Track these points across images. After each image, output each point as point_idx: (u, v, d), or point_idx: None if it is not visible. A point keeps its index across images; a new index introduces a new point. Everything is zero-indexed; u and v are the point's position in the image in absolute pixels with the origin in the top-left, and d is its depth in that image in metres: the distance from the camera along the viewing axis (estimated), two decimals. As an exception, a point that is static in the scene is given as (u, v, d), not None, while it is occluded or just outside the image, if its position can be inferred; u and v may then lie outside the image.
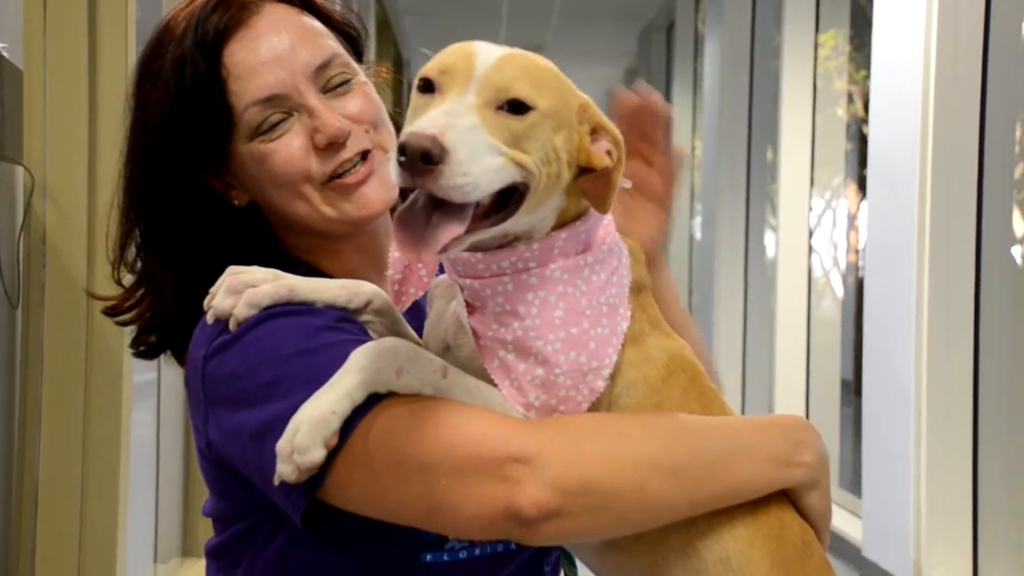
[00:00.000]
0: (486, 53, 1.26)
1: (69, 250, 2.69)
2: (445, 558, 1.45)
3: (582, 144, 1.30)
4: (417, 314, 1.61)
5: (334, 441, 1.25)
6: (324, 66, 1.47)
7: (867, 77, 5.12)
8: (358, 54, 1.61)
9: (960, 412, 4.39)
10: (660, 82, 11.46)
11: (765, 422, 1.43)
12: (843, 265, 7.05)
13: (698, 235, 9.52)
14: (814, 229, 7.06)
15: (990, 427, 4.35)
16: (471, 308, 1.31)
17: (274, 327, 1.37)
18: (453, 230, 1.20)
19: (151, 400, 4.10)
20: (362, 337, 1.41)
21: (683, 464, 1.29)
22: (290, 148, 1.44)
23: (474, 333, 1.30)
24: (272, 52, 1.44)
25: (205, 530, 4.10)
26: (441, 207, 1.20)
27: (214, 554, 1.58)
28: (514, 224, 1.27)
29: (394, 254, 1.39)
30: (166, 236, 1.53)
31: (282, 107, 1.44)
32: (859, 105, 7.17)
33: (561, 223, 1.33)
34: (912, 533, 4.40)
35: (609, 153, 1.31)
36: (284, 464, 1.24)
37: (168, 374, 4.16)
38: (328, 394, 1.27)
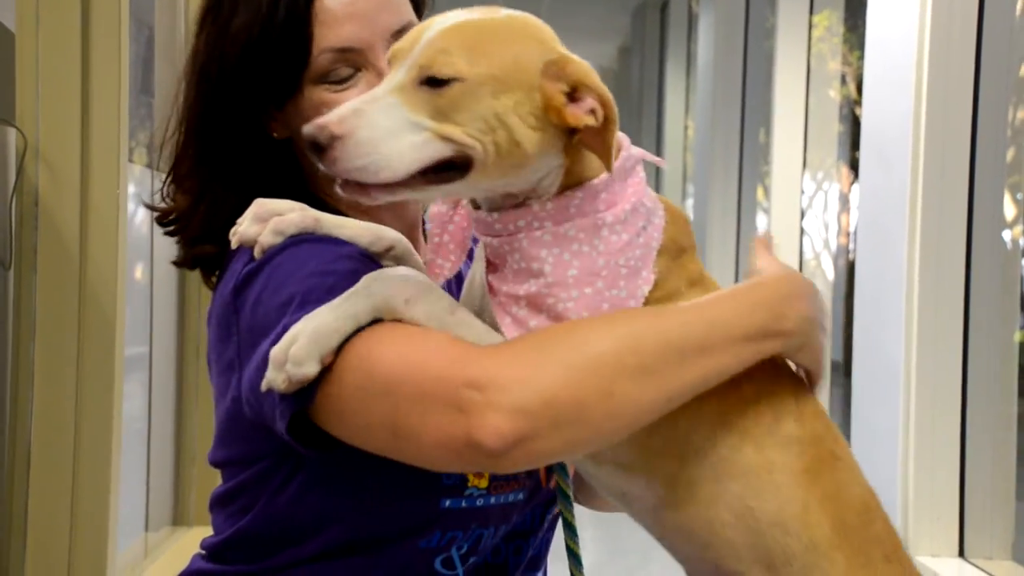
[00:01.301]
0: (434, 27, 1.27)
1: (62, 212, 2.69)
2: (463, 504, 1.47)
3: (550, 103, 1.28)
4: (460, 282, 1.65)
5: (330, 359, 1.25)
6: (400, 31, 1.47)
7: (861, 58, 5.12)
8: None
9: (949, 394, 4.40)
10: (653, 61, 11.52)
11: (741, 295, 1.38)
12: (834, 247, 7.08)
13: (691, 216, 9.55)
14: (806, 211, 7.08)
15: (978, 409, 4.36)
16: (492, 266, 1.33)
17: (297, 252, 1.40)
18: (370, 196, 1.26)
19: (143, 373, 4.09)
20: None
21: (651, 360, 1.26)
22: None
23: (490, 289, 1.32)
24: (358, 7, 1.48)
25: (198, 499, 4.15)
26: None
27: (222, 502, 1.58)
28: (509, 184, 1.30)
29: (436, 208, 1.45)
30: (219, 156, 1.56)
31: (353, 62, 1.48)
32: (852, 87, 7.19)
33: (577, 181, 1.33)
34: (900, 511, 4.39)
35: (594, 112, 1.29)
36: (275, 372, 1.24)
37: (158, 348, 4.20)
38: (334, 311, 1.27)
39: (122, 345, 2.83)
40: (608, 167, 1.30)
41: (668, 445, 1.34)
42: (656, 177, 11.13)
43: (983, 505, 4.29)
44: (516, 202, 1.33)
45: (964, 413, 4.34)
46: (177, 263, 1.65)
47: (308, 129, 1.20)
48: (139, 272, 3.70)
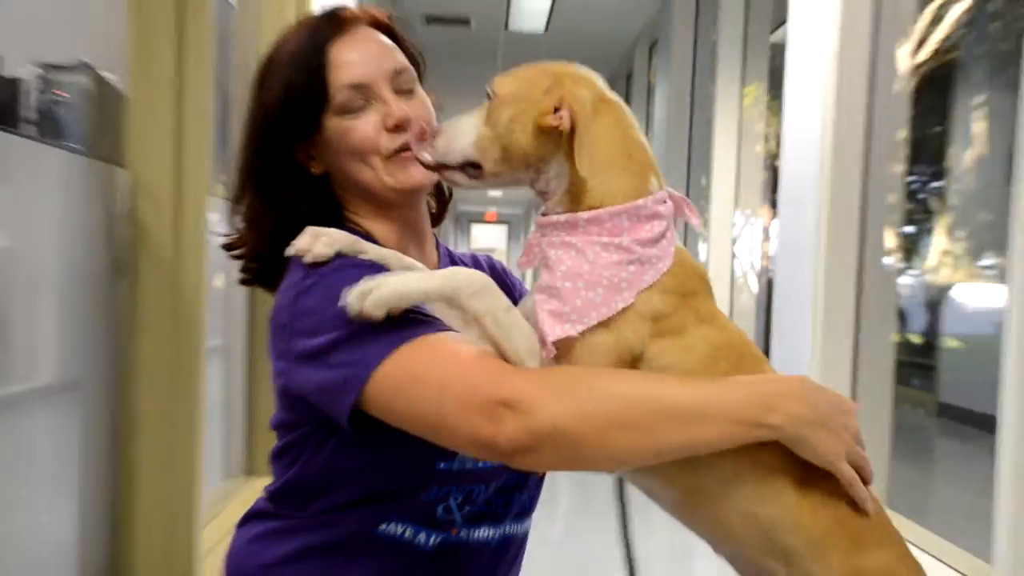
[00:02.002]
0: None
1: (160, 234, 2.70)
2: (455, 466, 1.48)
3: (540, 110, 1.35)
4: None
5: (395, 311, 1.30)
6: (398, 72, 1.53)
7: (780, 122, 5.13)
8: (416, 64, 1.64)
9: (843, 379, 4.43)
10: None
11: (744, 385, 1.32)
12: (758, 268, 7.06)
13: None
14: (736, 239, 7.07)
15: (865, 389, 4.42)
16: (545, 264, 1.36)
17: (345, 271, 1.40)
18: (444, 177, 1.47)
19: (222, 360, 4.10)
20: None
21: (645, 421, 1.26)
22: (367, 126, 1.49)
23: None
24: (363, 54, 1.50)
25: (262, 455, 4.11)
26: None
27: (276, 457, 1.61)
28: (521, 180, 1.42)
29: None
30: (266, 192, 1.57)
31: (364, 95, 1.49)
32: (773, 144, 7.20)
33: (597, 204, 1.35)
34: None
35: (563, 119, 1.34)
36: (355, 299, 1.29)
37: (233, 341, 4.23)
38: (414, 282, 1.31)
39: (205, 338, 2.84)
40: (579, 168, 1.33)
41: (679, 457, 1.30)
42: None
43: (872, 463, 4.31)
44: (545, 209, 1.40)
45: (854, 394, 4.38)
46: (242, 281, 1.65)
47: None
48: (218, 281, 3.71)
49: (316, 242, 1.43)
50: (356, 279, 1.35)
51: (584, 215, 1.35)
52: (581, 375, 1.30)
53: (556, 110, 1.35)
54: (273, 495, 1.63)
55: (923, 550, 3.43)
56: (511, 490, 1.63)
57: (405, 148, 1.51)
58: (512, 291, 1.75)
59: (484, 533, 1.59)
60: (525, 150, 1.37)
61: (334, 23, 1.53)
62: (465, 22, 10.04)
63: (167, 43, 2.74)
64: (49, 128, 2.43)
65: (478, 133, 1.39)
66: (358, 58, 1.51)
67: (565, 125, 1.34)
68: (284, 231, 1.51)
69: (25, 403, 2.39)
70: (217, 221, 2.95)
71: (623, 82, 11.21)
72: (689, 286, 1.38)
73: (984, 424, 2.87)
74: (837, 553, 1.29)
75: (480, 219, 32.10)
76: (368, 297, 1.29)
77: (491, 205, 27.94)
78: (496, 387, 1.26)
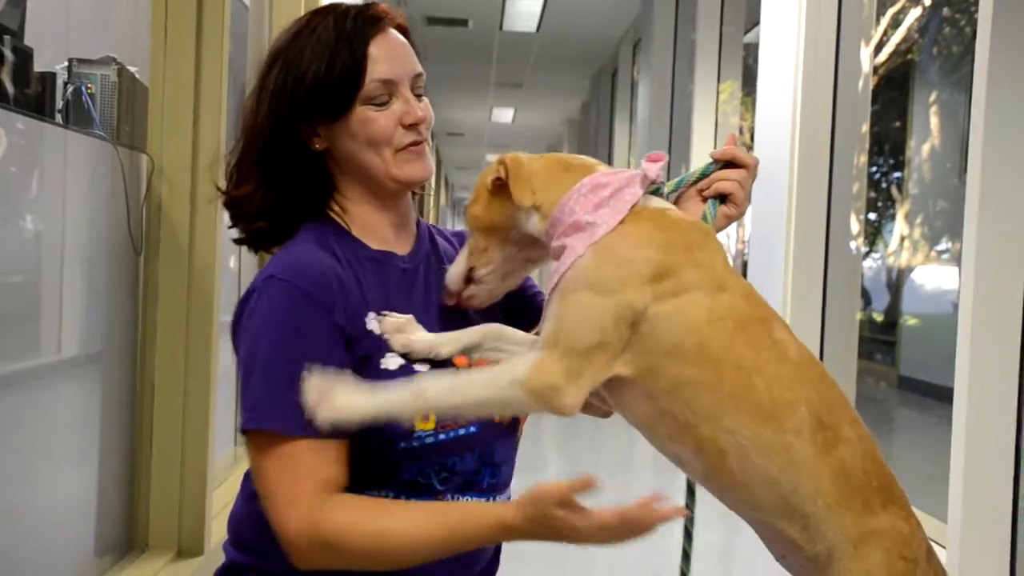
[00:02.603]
0: None
1: (177, 214, 2.71)
2: (415, 444, 1.44)
3: (487, 184, 1.41)
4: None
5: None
6: (418, 76, 1.51)
7: (753, 116, 5.13)
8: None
9: (812, 345, 4.46)
10: (606, 114, 11.41)
11: (490, 526, 1.34)
12: (733, 251, 7.06)
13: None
14: (714, 226, 7.09)
15: (831, 363, 4.40)
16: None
17: (293, 307, 1.40)
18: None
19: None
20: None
21: (400, 560, 1.36)
22: (388, 119, 1.46)
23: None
24: (396, 55, 1.47)
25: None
26: None
27: None
28: (509, 255, 1.43)
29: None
30: (271, 161, 1.50)
31: (390, 91, 1.46)
32: (747, 136, 7.19)
33: (546, 218, 1.36)
34: None
35: (499, 176, 1.39)
36: (312, 393, 1.28)
37: None
38: (362, 402, 1.29)
39: (219, 312, 2.85)
40: (517, 200, 1.37)
41: (701, 421, 1.27)
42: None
43: None
44: (542, 247, 1.40)
45: (822, 354, 4.41)
46: (237, 241, 1.59)
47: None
48: (232, 261, 3.68)
49: (398, 340, 1.43)
50: (297, 319, 1.37)
51: (548, 224, 1.37)
52: (369, 506, 1.39)
53: (498, 179, 1.39)
54: None
55: None
56: (497, 464, 1.59)
57: (415, 144, 1.49)
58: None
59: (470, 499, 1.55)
60: (493, 220, 1.40)
61: (372, 18, 1.50)
62: (463, 23, 10.06)
63: (186, 40, 2.77)
64: (78, 117, 2.46)
65: (462, 255, 1.43)
66: (391, 56, 1.48)
67: (503, 174, 1.38)
68: (276, 201, 1.51)
69: (51, 374, 2.41)
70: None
71: (609, 78, 11.19)
72: (684, 240, 1.33)
73: (941, 395, 2.87)
74: (851, 515, 1.28)
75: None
76: (321, 406, 1.28)
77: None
78: (300, 519, 1.33)
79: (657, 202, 1.38)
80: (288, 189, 1.51)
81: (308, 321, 1.40)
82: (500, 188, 1.38)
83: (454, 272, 1.46)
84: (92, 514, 2.57)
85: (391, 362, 1.45)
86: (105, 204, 2.55)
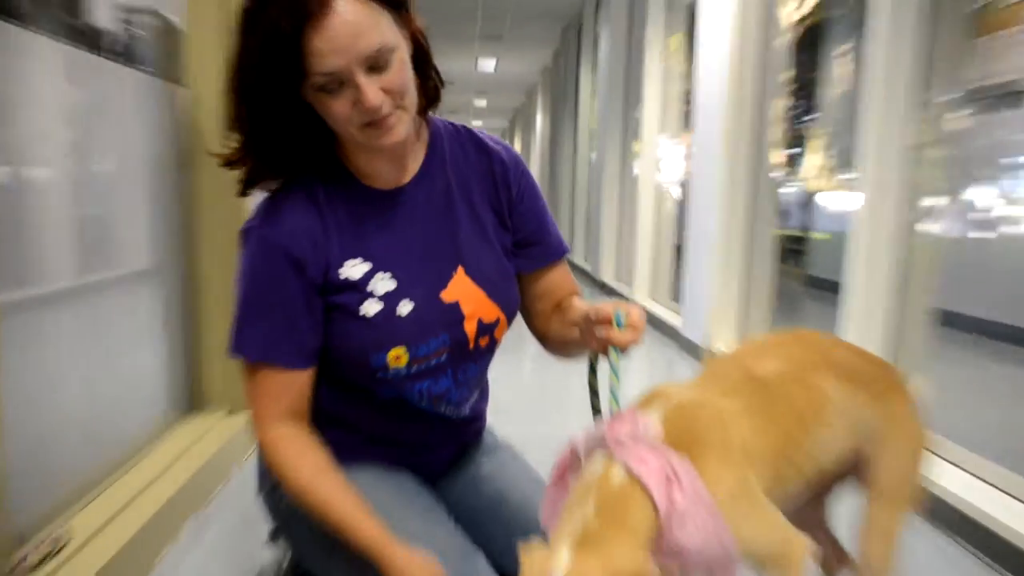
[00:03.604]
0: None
1: (212, 137, 2.71)
2: (390, 376, 1.39)
3: None
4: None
5: None
6: (373, 54, 1.22)
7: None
8: (398, 5, 1.29)
9: (738, 261, 4.56)
10: (573, 63, 11.18)
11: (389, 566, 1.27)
12: (679, 179, 7.17)
13: (594, 159, 9.55)
14: (662, 159, 7.14)
15: (755, 271, 4.54)
16: None
17: (265, 259, 1.32)
18: None
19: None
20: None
21: (321, 513, 1.31)
22: (342, 105, 1.24)
23: None
24: (339, 44, 1.20)
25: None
26: None
27: None
28: None
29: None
30: (254, 118, 1.29)
31: (338, 80, 1.22)
32: (690, 83, 7.24)
33: None
34: (706, 319, 4.63)
35: None
36: None
37: None
38: None
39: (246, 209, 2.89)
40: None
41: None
42: (575, 141, 11.10)
43: (756, 316, 4.54)
44: None
45: (749, 271, 4.55)
46: (240, 194, 1.38)
47: None
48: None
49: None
50: (272, 272, 1.31)
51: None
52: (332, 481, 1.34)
53: None
54: None
55: None
56: (470, 379, 1.53)
57: (375, 122, 1.27)
58: (511, 191, 1.53)
59: (445, 409, 1.52)
60: None
61: (307, 10, 1.19)
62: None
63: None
64: (129, 56, 2.51)
65: None
66: (334, 47, 1.20)
67: None
68: (277, 151, 1.33)
69: (127, 283, 2.49)
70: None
71: (576, 32, 10.97)
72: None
73: (836, 289, 3.10)
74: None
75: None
76: None
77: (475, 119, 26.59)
78: (264, 437, 1.35)
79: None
80: (288, 143, 1.32)
81: (281, 275, 1.32)
82: None
83: None
84: (164, 382, 2.67)
85: (370, 308, 1.37)
86: (154, 128, 2.61)
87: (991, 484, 2.44)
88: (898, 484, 1.35)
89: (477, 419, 1.64)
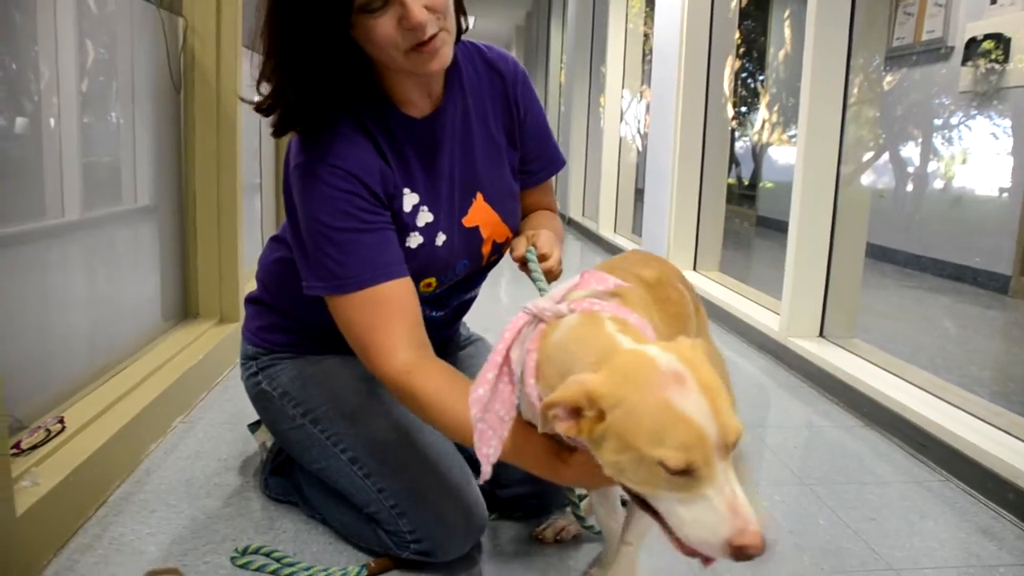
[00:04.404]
0: (703, 413, 0.86)
1: (206, 60, 2.65)
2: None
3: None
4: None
5: None
6: None
7: (653, 24, 5.11)
8: None
9: (691, 204, 4.59)
10: (544, 22, 11.07)
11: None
12: (641, 132, 7.12)
13: (563, 111, 9.48)
14: (625, 112, 7.09)
15: (705, 214, 4.55)
16: None
17: (330, 190, 1.23)
18: None
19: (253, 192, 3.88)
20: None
21: (451, 427, 1.18)
22: (386, 25, 1.15)
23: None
24: None
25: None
26: None
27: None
28: None
29: (476, 395, 1.07)
30: (291, 63, 1.20)
31: None
32: (652, 41, 7.17)
33: None
34: (665, 251, 4.60)
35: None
36: None
37: (265, 181, 4.04)
38: None
39: (240, 136, 2.76)
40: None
41: None
42: (546, 97, 10.97)
43: (707, 251, 4.56)
44: None
45: (699, 215, 4.54)
46: (274, 134, 1.28)
47: (761, 545, 0.81)
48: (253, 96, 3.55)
49: None
50: (330, 190, 1.21)
51: None
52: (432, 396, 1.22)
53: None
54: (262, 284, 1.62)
55: (742, 294, 3.74)
56: (470, 290, 1.56)
57: (421, 44, 1.18)
58: (519, 109, 1.46)
59: (434, 313, 1.52)
60: None
61: None
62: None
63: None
64: None
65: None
66: None
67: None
68: (316, 83, 1.22)
69: (131, 217, 2.44)
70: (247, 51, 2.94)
71: None
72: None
73: (783, 228, 3.11)
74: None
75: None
76: None
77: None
78: (391, 373, 1.23)
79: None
80: (327, 75, 1.22)
81: (362, 198, 1.23)
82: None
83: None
84: (159, 295, 2.62)
85: (413, 240, 1.33)
86: (153, 53, 2.52)
87: (913, 384, 2.50)
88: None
89: (461, 315, 1.65)
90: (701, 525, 0.84)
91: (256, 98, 1.26)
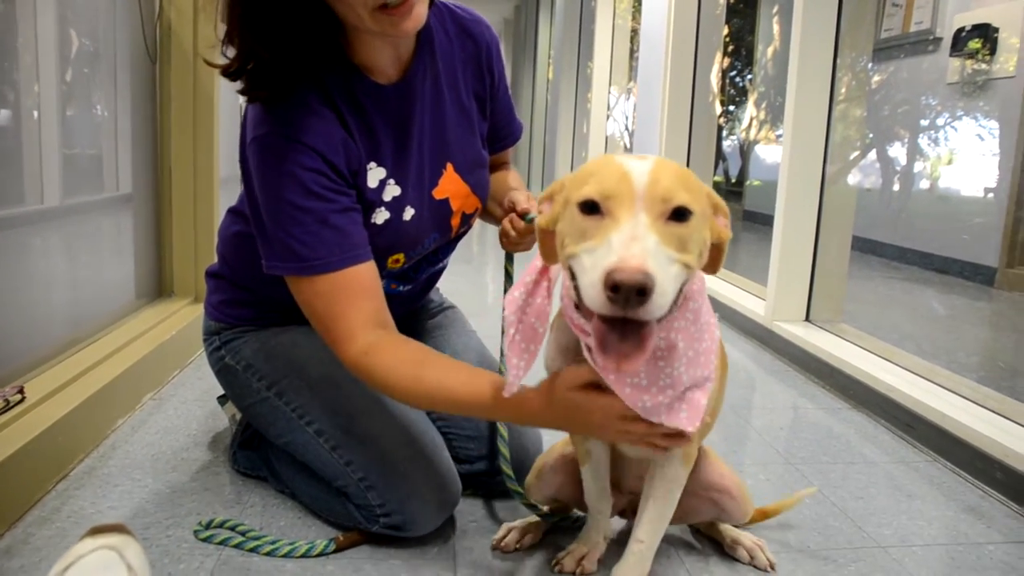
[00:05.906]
0: (638, 169, 0.85)
1: (182, 30, 2.60)
2: (384, 275, 1.31)
3: (714, 226, 0.94)
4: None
5: None
6: None
7: (640, 19, 5.09)
8: None
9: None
10: (532, 16, 11.08)
11: (507, 404, 1.07)
12: (629, 129, 7.09)
13: (549, 107, 9.45)
14: (612, 108, 7.08)
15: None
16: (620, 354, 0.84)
17: (294, 161, 1.15)
18: (653, 337, 0.84)
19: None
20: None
21: (433, 398, 1.13)
22: None
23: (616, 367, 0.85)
24: None
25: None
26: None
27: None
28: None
29: (511, 296, 1.04)
30: (264, 26, 1.12)
31: None
32: (640, 38, 7.17)
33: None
34: None
35: (726, 226, 0.96)
36: None
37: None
38: None
39: (219, 108, 2.70)
40: (717, 270, 0.97)
41: None
42: (533, 92, 10.94)
43: None
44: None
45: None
46: (241, 92, 1.19)
47: (630, 278, 0.75)
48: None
49: None
50: (294, 168, 1.13)
51: (691, 302, 1.00)
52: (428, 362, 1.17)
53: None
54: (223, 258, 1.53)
55: (727, 281, 3.69)
56: (439, 261, 1.53)
57: (390, 3, 1.10)
58: (493, 76, 1.40)
59: (401, 288, 1.48)
60: (701, 263, 0.93)
61: None
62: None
63: None
64: None
65: (679, 261, 0.85)
66: None
67: (730, 233, 0.98)
68: (281, 43, 1.14)
69: (111, 205, 2.41)
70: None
71: None
72: None
73: (768, 222, 3.09)
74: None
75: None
76: None
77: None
78: (352, 355, 1.17)
79: None
80: (281, 48, 1.14)
81: (323, 173, 1.16)
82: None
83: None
84: (133, 274, 2.58)
85: (379, 216, 1.26)
86: (128, 23, 2.45)
87: (900, 365, 2.46)
88: None
89: (429, 288, 1.62)
90: (592, 268, 0.81)
91: (222, 61, 1.17)
